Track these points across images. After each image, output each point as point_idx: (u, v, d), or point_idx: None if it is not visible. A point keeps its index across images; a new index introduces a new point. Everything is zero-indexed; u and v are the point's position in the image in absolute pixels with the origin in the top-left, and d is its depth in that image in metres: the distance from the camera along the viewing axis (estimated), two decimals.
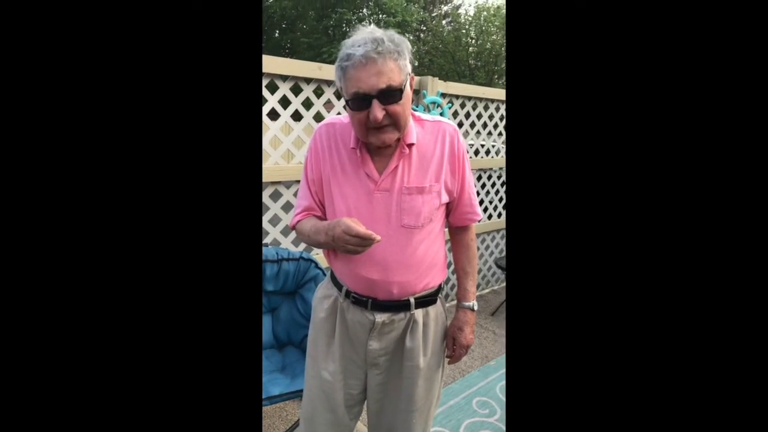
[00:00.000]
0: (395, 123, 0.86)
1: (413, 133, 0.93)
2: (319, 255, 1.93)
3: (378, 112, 0.82)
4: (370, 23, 0.76)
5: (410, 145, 0.92)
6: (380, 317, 0.98)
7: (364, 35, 0.82)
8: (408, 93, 0.86)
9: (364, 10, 15.29)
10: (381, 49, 0.80)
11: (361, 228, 0.79)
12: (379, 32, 0.82)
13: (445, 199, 0.96)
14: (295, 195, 1.99)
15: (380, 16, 14.27)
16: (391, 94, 0.83)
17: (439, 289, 1.04)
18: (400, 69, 0.83)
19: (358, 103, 0.83)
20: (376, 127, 0.85)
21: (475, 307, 1.05)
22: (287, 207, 2.01)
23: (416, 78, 2.26)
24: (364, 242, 0.80)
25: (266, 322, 1.76)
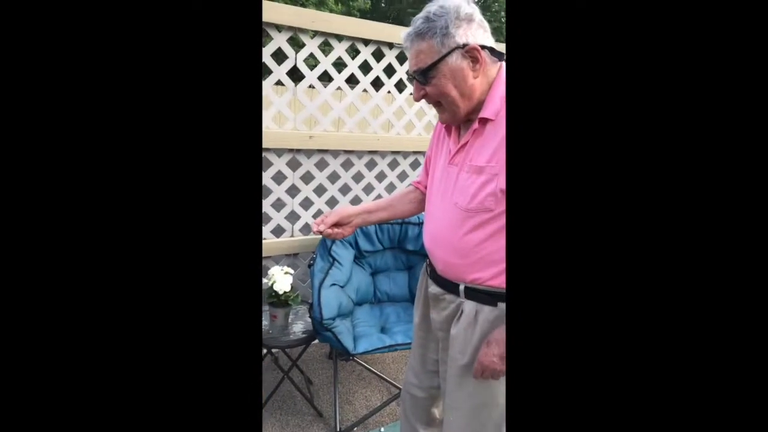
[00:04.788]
0: (441, 103, 0.87)
1: (495, 106, 0.84)
2: None
3: (415, 91, 0.87)
4: None
5: (484, 120, 0.85)
6: (433, 289, 0.99)
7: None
8: (447, 70, 0.81)
9: None
10: (417, 29, 0.82)
11: (328, 219, 0.98)
12: (432, 7, 0.82)
13: None
14: (411, 165, 2.11)
15: None
16: (422, 75, 0.84)
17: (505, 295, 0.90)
18: (431, 48, 0.81)
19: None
20: (435, 105, 0.89)
21: None
22: (403, 176, 2.13)
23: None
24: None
25: (404, 277, 1.94)
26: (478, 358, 0.87)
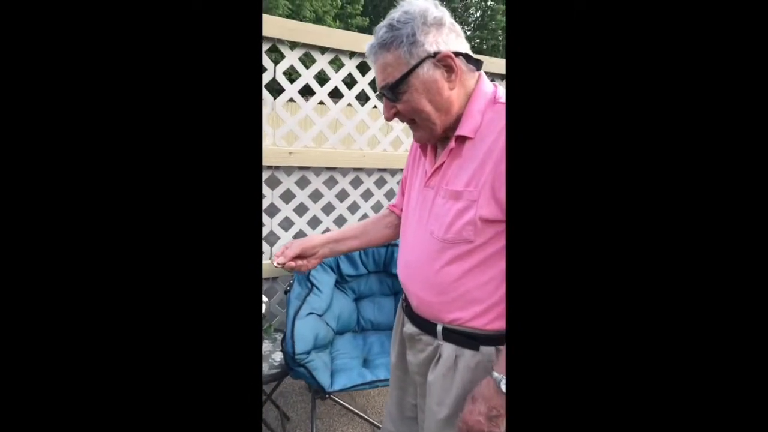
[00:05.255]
0: (414, 120, 0.76)
1: (474, 122, 0.73)
2: None
3: (385, 110, 0.76)
4: None
5: (462, 138, 0.74)
6: (409, 327, 0.87)
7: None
8: (418, 83, 0.70)
9: None
10: (381, 40, 0.71)
11: (289, 251, 0.87)
12: (396, 13, 0.70)
13: (492, 213, 0.69)
14: (399, 183, 1.99)
15: None
16: (391, 91, 0.73)
17: (489, 338, 0.75)
18: (399, 59, 0.69)
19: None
20: (409, 123, 0.78)
21: (503, 386, 0.68)
22: (390, 194, 2.02)
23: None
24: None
25: (390, 303, 1.80)
26: (462, 417, 0.74)
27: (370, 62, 0.77)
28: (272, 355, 1.45)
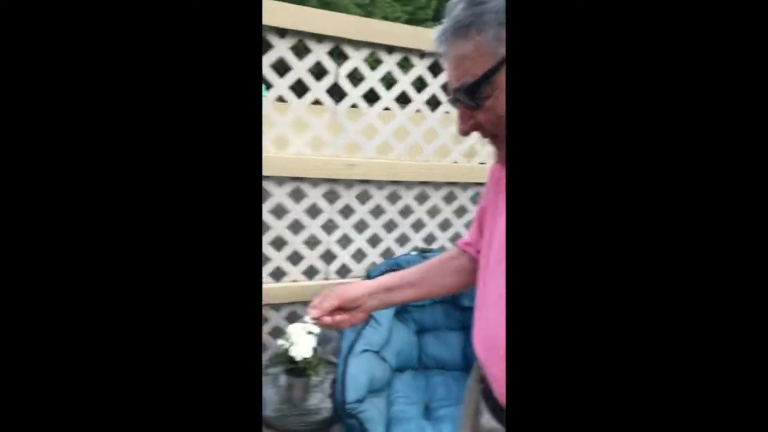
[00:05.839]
0: (496, 135, 0.55)
1: None
2: None
3: (460, 121, 0.55)
4: None
5: None
6: (488, 421, 0.63)
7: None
8: (502, 82, 0.49)
9: None
10: (457, 21, 0.50)
11: (326, 302, 0.68)
12: None
13: None
14: (471, 199, 1.75)
15: None
16: (469, 95, 0.51)
17: None
18: (481, 49, 0.49)
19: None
20: (491, 140, 0.57)
21: None
22: (460, 212, 1.78)
23: None
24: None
25: (457, 339, 1.57)
26: None
27: (439, 53, 0.55)
28: (316, 396, 1.28)
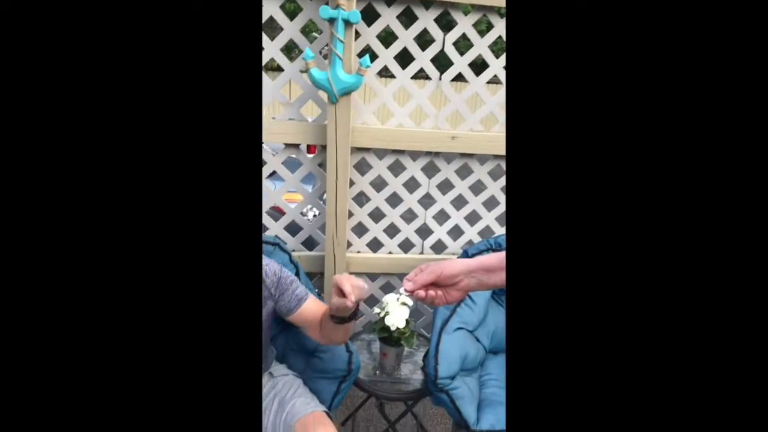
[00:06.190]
0: None
1: None
2: None
3: None
4: None
5: None
6: None
7: None
8: None
9: None
10: None
11: (421, 275, 0.67)
12: None
13: None
14: None
15: None
16: None
17: None
18: None
19: None
20: None
21: None
22: None
23: None
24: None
25: None
26: None
27: None
28: (411, 374, 1.29)
